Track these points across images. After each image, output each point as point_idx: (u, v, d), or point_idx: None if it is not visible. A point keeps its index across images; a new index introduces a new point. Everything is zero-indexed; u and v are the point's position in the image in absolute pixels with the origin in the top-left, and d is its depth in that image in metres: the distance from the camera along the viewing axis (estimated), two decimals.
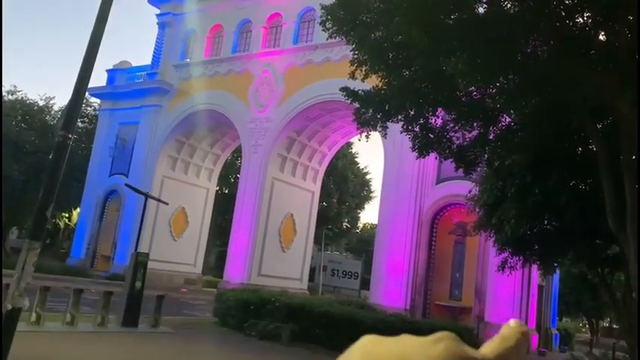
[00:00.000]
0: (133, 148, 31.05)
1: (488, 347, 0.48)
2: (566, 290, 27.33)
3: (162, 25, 32.19)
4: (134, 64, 34.32)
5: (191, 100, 29.31)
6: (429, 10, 7.76)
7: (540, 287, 20.69)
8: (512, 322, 0.52)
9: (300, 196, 29.23)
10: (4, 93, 37.79)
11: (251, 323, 14.50)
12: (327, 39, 11.96)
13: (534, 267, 15.63)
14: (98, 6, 7.21)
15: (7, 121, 32.24)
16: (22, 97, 38.53)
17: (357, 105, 11.23)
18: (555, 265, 13.55)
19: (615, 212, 8.72)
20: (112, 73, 33.84)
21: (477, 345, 0.50)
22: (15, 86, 46.79)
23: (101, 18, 7.12)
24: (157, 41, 32.15)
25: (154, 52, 32.01)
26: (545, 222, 11.49)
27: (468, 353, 0.44)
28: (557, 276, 21.96)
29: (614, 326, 37.71)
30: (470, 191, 12.93)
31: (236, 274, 25.52)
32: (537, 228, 11.32)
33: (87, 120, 40.21)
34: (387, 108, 10.71)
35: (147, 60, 32.88)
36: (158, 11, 32.72)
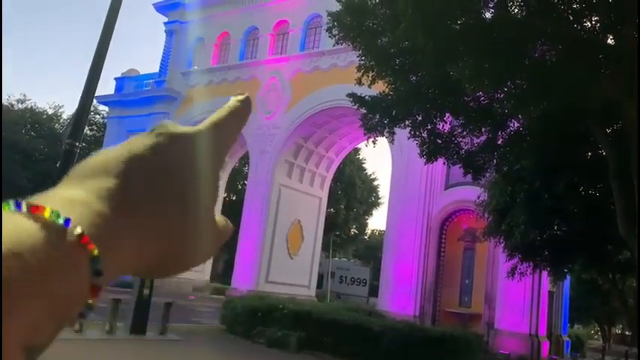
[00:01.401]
0: None
1: (208, 119, 0.50)
2: (577, 296, 27.06)
3: (169, 33, 32.42)
4: (142, 72, 34.58)
5: (198, 108, 29.41)
6: (435, 16, 7.74)
7: (551, 293, 20.48)
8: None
9: (308, 203, 29.20)
10: (13, 102, 38.17)
11: (259, 330, 14.45)
12: (334, 45, 12.01)
13: (544, 273, 15.48)
14: (105, 14, 7.26)
15: (16, 129, 32.53)
16: (32, 106, 38.93)
17: (364, 111, 11.22)
18: (566, 271, 13.41)
19: (626, 217, 8.62)
20: (120, 81, 34.09)
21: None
22: (24, 95, 47.30)
23: (108, 26, 7.16)
24: (164, 49, 32.37)
25: (162, 59, 32.23)
26: (555, 227, 11.40)
27: (177, 130, 0.45)
28: (567, 282, 21.74)
29: (627, 333, 37.28)
30: (479, 197, 12.85)
31: (244, 281, 25.50)
32: (547, 233, 11.22)
33: (95, 128, 40.52)
34: (394, 113, 10.70)
35: (155, 68, 33.12)
36: (166, 19, 32.95)
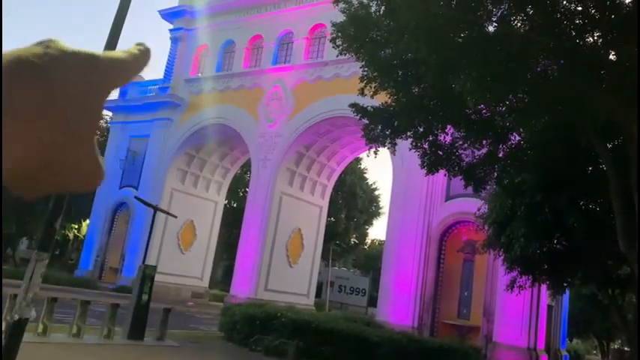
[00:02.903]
0: (144, 161, 31.27)
1: (107, 52, 0.50)
2: (576, 311, 26.95)
3: (174, 40, 32.60)
4: (146, 77, 34.70)
5: (202, 114, 29.54)
6: (439, 29, 7.81)
7: (550, 307, 20.42)
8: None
9: (308, 211, 29.20)
10: None
11: (257, 338, 14.42)
12: (337, 56, 12.06)
13: (544, 287, 15.47)
14: (112, 21, 7.34)
15: None
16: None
17: (366, 121, 11.27)
18: (565, 285, 13.39)
19: (626, 232, 8.63)
20: (124, 87, 34.19)
21: None
22: None
23: (114, 33, 7.23)
24: (169, 55, 32.53)
25: (166, 66, 32.39)
26: (555, 241, 11.40)
27: (69, 47, 0.46)
28: (566, 296, 21.69)
29: (626, 349, 37.07)
30: (479, 209, 12.86)
31: (243, 288, 25.46)
32: (547, 247, 11.22)
33: (98, 132, 40.57)
34: (395, 124, 10.75)
35: (159, 74, 33.27)
36: (171, 26, 33.16)
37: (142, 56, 0.53)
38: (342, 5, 10.58)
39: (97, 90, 0.48)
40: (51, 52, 0.45)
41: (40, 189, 0.47)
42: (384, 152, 16.35)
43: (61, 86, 0.45)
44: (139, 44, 0.54)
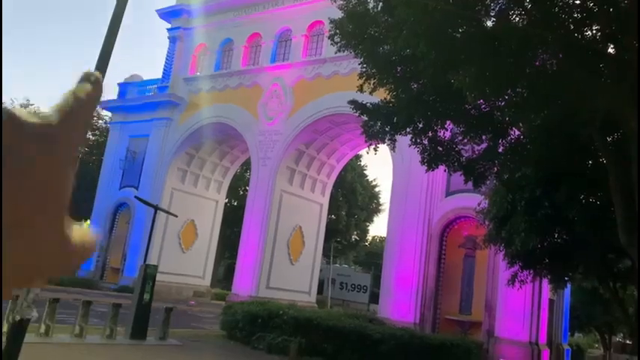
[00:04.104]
0: (144, 161, 31.28)
1: (55, 106, 0.44)
2: (578, 305, 26.98)
3: (173, 40, 32.58)
4: (145, 77, 34.71)
5: (201, 113, 29.53)
6: (437, 25, 7.80)
7: (551, 301, 20.43)
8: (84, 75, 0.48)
9: (309, 209, 29.21)
10: (17, 105, 38.37)
11: (259, 336, 14.44)
12: (336, 52, 12.06)
13: (545, 281, 15.47)
14: (109, 19, 7.31)
15: None
16: (35, 111, 39.04)
17: (365, 118, 11.26)
18: (566, 279, 13.40)
19: (626, 226, 8.63)
20: (123, 87, 34.22)
21: None
22: (28, 99, 47.53)
23: (111, 32, 7.21)
24: (167, 55, 32.51)
25: (165, 65, 32.36)
26: (556, 235, 11.40)
27: (22, 118, 0.40)
28: (568, 290, 21.69)
29: (628, 342, 37.14)
30: (479, 204, 12.86)
31: (244, 286, 25.48)
32: (547, 241, 11.22)
33: (98, 133, 40.64)
34: (395, 121, 10.73)
35: (158, 74, 33.27)
36: (169, 25, 33.13)
37: (94, 91, 0.47)
38: (340, 2, 10.56)
39: (60, 166, 0.42)
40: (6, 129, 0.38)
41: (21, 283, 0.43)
42: (384, 149, 16.36)
43: (16, 165, 0.39)
44: (88, 74, 0.47)
